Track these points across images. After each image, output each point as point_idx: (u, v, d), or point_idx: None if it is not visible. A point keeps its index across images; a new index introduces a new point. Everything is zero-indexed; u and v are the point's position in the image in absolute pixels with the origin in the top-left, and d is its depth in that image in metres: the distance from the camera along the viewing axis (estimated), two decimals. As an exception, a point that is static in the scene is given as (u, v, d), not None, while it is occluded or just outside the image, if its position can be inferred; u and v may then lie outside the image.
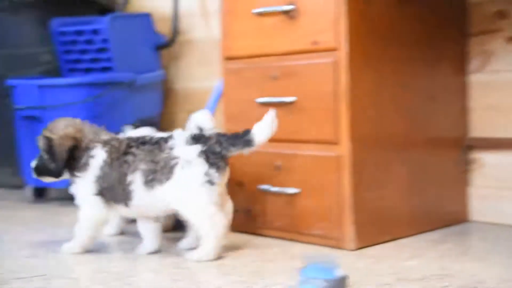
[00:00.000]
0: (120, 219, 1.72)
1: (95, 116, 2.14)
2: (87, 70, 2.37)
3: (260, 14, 1.62)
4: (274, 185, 1.62)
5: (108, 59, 2.31)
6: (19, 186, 2.44)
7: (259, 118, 1.64)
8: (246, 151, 1.44)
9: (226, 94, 1.75)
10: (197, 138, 1.43)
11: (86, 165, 1.46)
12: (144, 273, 1.34)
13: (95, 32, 2.32)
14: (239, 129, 1.70)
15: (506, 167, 1.75)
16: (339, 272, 1.09)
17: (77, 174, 1.47)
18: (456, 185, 1.79)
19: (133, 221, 1.82)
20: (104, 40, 2.30)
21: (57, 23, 2.38)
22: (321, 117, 1.51)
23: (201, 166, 1.41)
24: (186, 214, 1.44)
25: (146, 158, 1.43)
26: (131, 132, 1.69)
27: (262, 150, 1.65)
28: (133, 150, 1.44)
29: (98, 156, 1.46)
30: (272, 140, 1.63)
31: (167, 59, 2.60)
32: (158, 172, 1.42)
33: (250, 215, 1.69)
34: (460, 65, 1.79)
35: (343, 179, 1.49)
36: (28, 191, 2.30)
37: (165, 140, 1.44)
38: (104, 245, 1.61)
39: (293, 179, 1.58)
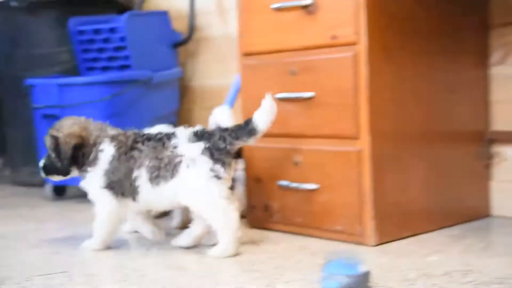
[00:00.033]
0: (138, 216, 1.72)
1: (113, 114, 2.15)
2: (105, 69, 2.39)
3: (278, 9, 1.62)
4: (292, 181, 1.61)
5: (126, 57, 2.32)
6: (39, 184, 2.46)
7: (278, 114, 1.64)
8: (251, 141, 1.44)
9: (244, 90, 1.74)
10: (200, 135, 1.44)
11: (95, 159, 1.48)
12: (166, 270, 1.35)
13: (112, 30, 2.33)
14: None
15: (528, 161, 1.73)
16: (362, 268, 1.09)
17: (88, 169, 1.48)
18: (477, 180, 1.76)
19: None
20: (122, 39, 2.31)
21: (75, 22, 2.39)
22: (341, 112, 1.50)
23: (206, 163, 1.41)
24: (197, 210, 1.44)
25: (150, 154, 1.45)
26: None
27: (280, 146, 1.65)
28: (139, 145, 1.46)
29: (107, 151, 1.47)
30: (291, 135, 1.63)
31: (184, 56, 2.60)
32: (163, 169, 1.43)
33: (269, 211, 1.69)
34: (481, 58, 1.76)
35: (363, 174, 1.48)
36: (48, 189, 2.32)
37: (168, 137, 1.45)
38: (123, 242, 1.61)
39: (312, 175, 1.58)
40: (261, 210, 1.70)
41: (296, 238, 1.59)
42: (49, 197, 2.32)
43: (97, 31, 2.36)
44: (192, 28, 2.49)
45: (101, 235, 1.51)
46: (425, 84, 1.60)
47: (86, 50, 2.40)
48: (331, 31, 1.51)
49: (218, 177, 1.41)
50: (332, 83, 1.52)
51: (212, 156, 1.41)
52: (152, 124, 1.86)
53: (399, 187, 1.54)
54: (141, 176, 1.45)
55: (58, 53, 2.49)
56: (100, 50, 2.37)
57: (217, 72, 2.50)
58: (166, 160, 1.43)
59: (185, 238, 1.51)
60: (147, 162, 1.44)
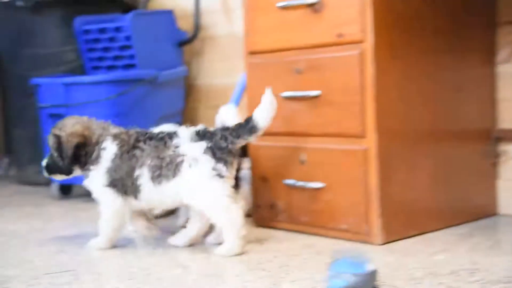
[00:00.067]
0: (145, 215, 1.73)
1: (119, 113, 2.15)
2: (110, 68, 2.39)
3: (284, 8, 1.61)
4: (298, 179, 1.61)
5: (131, 56, 2.32)
6: (45, 183, 2.47)
7: (283, 112, 1.64)
8: (252, 138, 1.45)
9: (249, 88, 1.74)
10: (202, 135, 1.44)
11: (98, 157, 1.48)
12: (172, 268, 1.35)
13: (118, 29, 2.33)
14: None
15: (536, 159, 1.72)
16: (369, 267, 1.08)
17: (90, 167, 1.49)
18: (484, 178, 1.75)
19: (157, 217, 1.83)
20: (127, 38, 2.31)
21: (80, 22, 2.39)
22: (347, 111, 1.50)
23: (208, 162, 1.42)
24: (200, 209, 1.45)
25: (152, 153, 1.45)
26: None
27: (286, 145, 1.65)
28: (141, 144, 1.47)
29: (109, 149, 1.48)
30: (297, 134, 1.62)
31: (189, 55, 2.60)
32: (164, 169, 1.44)
33: (275, 210, 1.68)
34: (487, 56, 1.75)
35: (370, 172, 1.47)
36: (54, 188, 2.33)
37: (170, 136, 1.46)
38: (129, 240, 1.62)
39: (318, 173, 1.57)
40: (267, 209, 1.70)
41: (301, 236, 1.59)
42: (55, 196, 2.32)
43: (102, 30, 2.36)
44: (197, 27, 2.49)
45: (106, 234, 1.51)
46: (432, 82, 1.60)
47: (91, 49, 2.41)
48: (337, 30, 1.51)
49: (220, 176, 1.42)
50: (338, 81, 1.51)
51: (214, 155, 1.42)
52: (157, 123, 1.86)
53: (406, 186, 1.53)
54: (143, 175, 1.45)
55: (63, 52, 2.49)
56: (106, 49, 2.37)
57: (222, 71, 2.50)
58: (168, 160, 1.44)
59: (181, 237, 1.52)
60: (149, 161, 1.45)
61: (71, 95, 2.17)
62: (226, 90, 2.42)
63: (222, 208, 1.42)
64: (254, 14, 1.69)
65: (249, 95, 1.74)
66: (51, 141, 1.51)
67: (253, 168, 1.73)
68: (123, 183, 1.47)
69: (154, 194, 1.46)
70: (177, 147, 1.44)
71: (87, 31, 2.39)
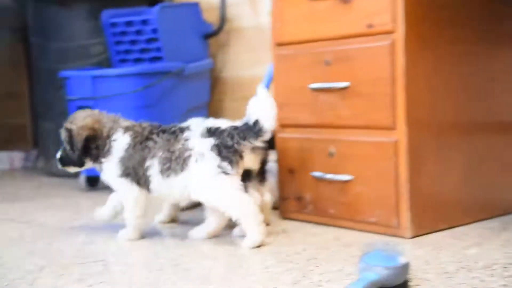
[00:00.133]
0: (171, 207, 1.73)
1: (146, 106, 2.16)
2: (137, 61, 2.40)
3: (312, -2, 1.60)
4: (326, 172, 1.60)
5: (158, 49, 2.33)
6: (73, 175, 2.50)
7: (311, 104, 1.63)
8: (258, 142, 1.43)
9: (276, 80, 1.73)
10: (213, 132, 1.44)
11: (110, 149, 1.51)
12: (201, 260, 1.35)
13: (144, 22, 2.34)
14: (291, 116, 1.69)
15: None
16: (401, 260, 1.07)
17: (102, 159, 1.52)
18: (516, 172, 1.72)
19: (184, 209, 1.84)
20: (154, 30, 2.32)
21: (108, 15, 2.41)
22: (377, 102, 1.48)
23: (214, 159, 1.42)
24: (213, 205, 1.45)
25: (164, 146, 1.47)
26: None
27: (314, 137, 1.64)
28: (154, 137, 1.49)
29: (121, 140, 1.51)
30: (325, 126, 1.61)
31: (215, 47, 2.60)
32: (173, 162, 1.45)
33: (302, 203, 1.67)
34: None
35: (400, 165, 1.45)
36: (82, 180, 2.35)
37: (182, 130, 1.47)
38: (157, 232, 1.62)
39: (346, 166, 1.56)
40: (294, 201, 1.69)
41: (329, 229, 1.58)
42: (82, 188, 2.35)
43: (129, 23, 2.37)
44: (223, 19, 2.49)
45: (132, 223, 1.53)
46: (463, 72, 1.56)
47: (118, 42, 2.42)
48: (367, 20, 1.48)
49: (225, 173, 1.42)
50: (368, 72, 1.49)
51: (220, 153, 1.42)
52: (184, 115, 1.87)
53: (435, 178, 1.51)
54: (153, 166, 1.47)
55: (91, 45, 2.52)
56: (132, 42, 2.39)
57: (248, 63, 2.49)
58: (177, 153, 1.45)
59: (200, 231, 1.52)
60: (160, 153, 1.47)
61: (99, 88, 2.19)
62: (251, 82, 2.42)
63: (232, 202, 1.42)
64: (282, 5, 1.68)
65: (276, 87, 1.73)
66: (63, 134, 1.56)
67: (280, 160, 1.72)
68: (135, 172, 1.49)
69: (163, 187, 1.48)
70: (186, 140, 1.45)
71: (114, 24, 2.40)
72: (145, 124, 1.54)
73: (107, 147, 1.52)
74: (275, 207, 1.76)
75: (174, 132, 1.48)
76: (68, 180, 2.54)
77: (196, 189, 1.45)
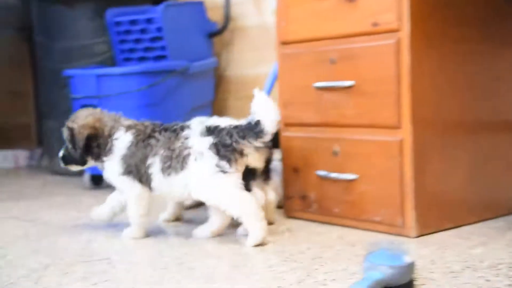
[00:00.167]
0: (176, 205, 1.73)
1: (150, 104, 2.16)
2: (141, 59, 2.40)
3: (317, -3, 1.59)
4: (331, 171, 1.59)
5: (162, 48, 2.33)
6: (77, 174, 2.50)
7: (316, 103, 1.62)
8: (258, 143, 1.42)
9: (281, 79, 1.73)
10: (212, 130, 1.44)
11: (111, 148, 1.52)
12: (205, 258, 1.35)
13: (149, 21, 2.34)
14: (295, 114, 1.69)
15: None
16: (406, 259, 1.06)
17: (104, 158, 1.53)
18: (521, 171, 1.71)
19: (188, 207, 1.84)
20: (158, 29, 2.32)
21: (112, 14, 2.41)
22: (382, 101, 1.47)
23: (212, 158, 1.42)
24: (213, 204, 1.45)
25: (165, 144, 1.47)
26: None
27: (319, 136, 1.63)
28: (157, 134, 1.49)
29: (123, 138, 1.51)
30: (330, 125, 1.61)
31: (219, 46, 2.60)
32: (174, 160, 1.45)
33: (306, 201, 1.67)
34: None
35: (405, 164, 1.45)
36: (86, 179, 2.36)
37: (182, 128, 1.48)
38: (161, 231, 1.62)
39: (351, 165, 1.55)
40: (298, 200, 1.69)
41: (333, 228, 1.58)
42: (86, 186, 2.35)
43: (133, 22, 2.37)
44: (227, 18, 2.49)
45: (136, 221, 1.53)
46: (468, 72, 1.56)
47: (123, 41, 2.42)
48: (372, 18, 1.48)
49: (224, 172, 1.42)
50: (373, 71, 1.49)
51: (218, 152, 1.42)
52: (188, 114, 1.87)
53: (440, 178, 1.50)
54: (155, 164, 1.47)
55: (95, 44, 2.52)
56: (137, 40, 2.39)
57: (252, 61, 2.49)
58: (177, 151, 1.46)
59: (204, 230, 1.52)
60: (161, 151, 1.47)
61: (103, 86, 2.19)
62: (255, 81, 2.42)
63: (231, 201, 1.42)
64: (287, 4, 1.67)
65: (281, 85, 1.73)
66: (65, 133, 1.56)
67: (284, 159, 1.72)
68: (137, 169, 1.50)
69: (164, 185, 1.48)
70: (186, 139, 1.46)
71: (118, 23, 2.40)
72: (147, 122, 1.54)
73: (108, 145, 1.53)
74: (279, 206, 1.76)
75: (175, 130, 1.48)
76: (73, 179, 2.55)
77: (196, 188, 1.45)
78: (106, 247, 1.48)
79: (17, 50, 3.18)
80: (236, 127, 1.43)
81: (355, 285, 1.05)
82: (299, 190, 1.68)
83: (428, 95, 1.47)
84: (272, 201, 1.63)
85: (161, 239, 1.53)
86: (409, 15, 1.42)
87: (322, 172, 1.61)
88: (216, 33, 2.49)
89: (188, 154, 1.45)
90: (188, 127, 1.48)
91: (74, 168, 1.61)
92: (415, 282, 1.09)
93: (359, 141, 1.54)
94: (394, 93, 1.45)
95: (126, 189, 1.53)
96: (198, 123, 1.49)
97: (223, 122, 1.50)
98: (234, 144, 1.42)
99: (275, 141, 1.66)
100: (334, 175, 1.58)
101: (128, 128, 1.53)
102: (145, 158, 1.49)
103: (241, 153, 1.44)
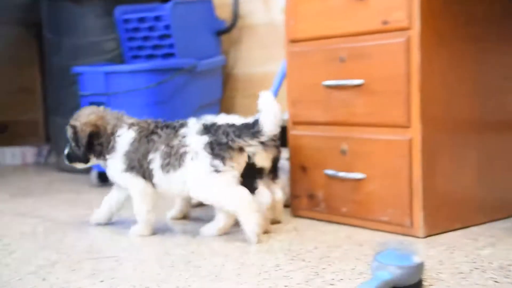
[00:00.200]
0: (183, 202, 1.73)
1: (158, 102, 2.16)
2: (149, 57, 2.40)
3: (326, -5, 1.58)
4: (339, 170, 1.59)
5: (170, 45, 2.33)
6: (85, 171, 2.51)
7: (325, 101, 1.61)
8: (255, 143, 1.41)
9: (290, 77, 1.72)
10: (208, 129, 1.44)
11: (114, 145, 1.53)
12: (212, 256, 1.34)
13: (157, 19, 2.34)
14: (303, 113, 1.68)
15: None
16: (415, 259, 1.05)
17: (106, 156, 1.54)
18: (531, 172, 1.69)
19: (195, 206, 1.84)
20: (166, 27, 2.32)
21: (120, 11, 2.41)
22: (392, 100, 1.46)
23: (206, 158, 1.42)
24: (211, 203, 1.46)
25: (165, 140, 1.48)
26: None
27: (327, 134, 1.62)
28: (159, 131, 1.50)
29: (126, 135, 1.52)
30: (338, 123, 1.60)
31: (227, 44, 2.59)
32: (172, 157, 1.46)
33: (313, 200, 1.66)
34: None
35: (414, 163, 1.44)
36: (93, 176, 2.36)
37: (181, 126, 1.49)
38: (168, 228, 1.62)
39: (359, 164, 1.54)
40: (306, 199, 1.68)
41: (341, 227, 1.57)
42: (93, 184, 2.36)
43: (142, 20, 2.37)
44: (235, 16, 2.48)
45: (142, 218, 1.53)
46: (478, 70, 1.54)
47: (131, 39, 2.42)
48: (382, 16, 1.47)
49: (217, 171, 1.42)
50: (383, 69, 1.48)
51: (212, 151, 1.42)
52: (196, 112, 1.87)
53: (450, 178, 1.49)
54: (155, 159, 1.48)
55: (104, 41, 2.52)
56: (145, 38, 2.39)
57: (260, 59, 2.48)
58: (175, 149, 1.47)
59: (211, 228, 1.52)
60: (162, 147, 1.48)
61: (111, 84, 2.19)
62: (263, 79, 2.41)
63: (226, 199, 1.42)
64: (296, 2, 1.66)
65: (290, 84, 1.72)
66: (69, 131, 1.58)
67: (292, 158, 1.71)
68: (140, 165, 1.50)
69: (164, 182, 1.49)
70: (184, 137, 1.46)
71: (127, 21, 2.40)
72: (150, 120, 1.55)
73: (111, 143, 1.53)
74: (286, 205, 1.75)
75: (174, 127, 1.49)
76: (80, 176, 2.55)
77: (192, 187, 1.46)
78: (113, 244, 1.48)
79: (26, 47, 3.19)
80: (233, 125, 1.43)
81: (363, 285, 1.04)
82: (307, 189, 1.68)
83: (438, 93, 1.46)
84: (280, 200, 1.63)
85: (168, 237, 1.53)
86: (419, 13, 1.41)
87: (330, 171, 1.61)
88: (224, 31, 2.48)
89: (185, 153, 1.45)
90: (185, 125, 1.49)
91: (79, 165, 1.61)
92: (423, 283, 1.08)
93: (368, 140, 1.53)
94: (404, 92, 1.44)
95: (130, 186, 1.53)
96: (194, 122, 1.49)
97: (226, 120, 1.49)
98: (229, 142, 1.42)
99: (283, 140, 1.65)
100: (342, 174, 1.58)
101: (131, 125, 1.54)
102: (147, 153, 1.50)
103: (240, 150, 1.43)
